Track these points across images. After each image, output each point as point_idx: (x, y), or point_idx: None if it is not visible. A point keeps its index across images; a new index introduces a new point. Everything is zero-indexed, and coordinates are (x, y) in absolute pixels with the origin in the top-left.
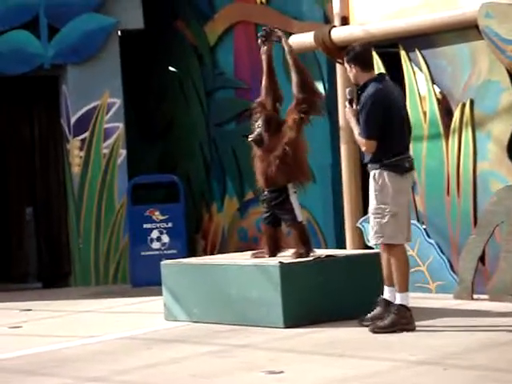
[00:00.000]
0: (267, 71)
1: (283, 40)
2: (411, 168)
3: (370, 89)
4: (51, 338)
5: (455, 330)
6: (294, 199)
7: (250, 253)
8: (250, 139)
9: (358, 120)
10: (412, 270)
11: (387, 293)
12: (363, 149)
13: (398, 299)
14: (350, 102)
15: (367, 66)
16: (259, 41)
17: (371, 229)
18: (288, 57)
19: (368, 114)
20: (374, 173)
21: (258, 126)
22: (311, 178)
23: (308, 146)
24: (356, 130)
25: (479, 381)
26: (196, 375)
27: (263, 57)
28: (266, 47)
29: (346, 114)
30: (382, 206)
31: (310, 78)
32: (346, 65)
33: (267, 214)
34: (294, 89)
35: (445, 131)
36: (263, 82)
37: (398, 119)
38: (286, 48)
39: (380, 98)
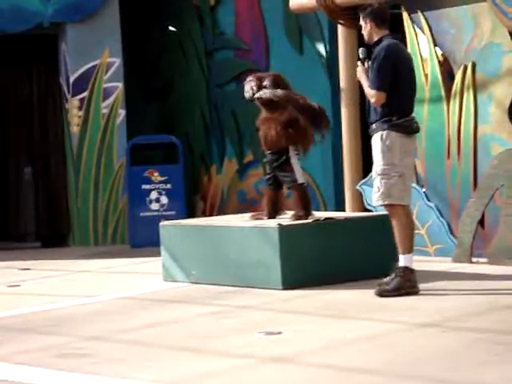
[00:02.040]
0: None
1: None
2: (418, 129)
3: (385, 42)
4: (49, 297)
5: (454, 294)
6: (294, 161)
7: (248, 215)
8: (261, 95)
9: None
10: None
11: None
12: (372, 100)
13: (402, 261)
14: (362, 62)
15: (383, 22)
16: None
17: (377, 189)
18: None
19: (380, 65)
20: (380, 133)
21: (266, 86)
22: (313, 143)
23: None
24: (366, 85)
25: (478, 343)
26: (193, 336)
27: None
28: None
29: (357, 72)
30: (390, 167)
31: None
32: (362, 21)
33: (269, 176)
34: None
35: (446, 94)
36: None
37: (406, 79)
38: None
39: (393, 52)
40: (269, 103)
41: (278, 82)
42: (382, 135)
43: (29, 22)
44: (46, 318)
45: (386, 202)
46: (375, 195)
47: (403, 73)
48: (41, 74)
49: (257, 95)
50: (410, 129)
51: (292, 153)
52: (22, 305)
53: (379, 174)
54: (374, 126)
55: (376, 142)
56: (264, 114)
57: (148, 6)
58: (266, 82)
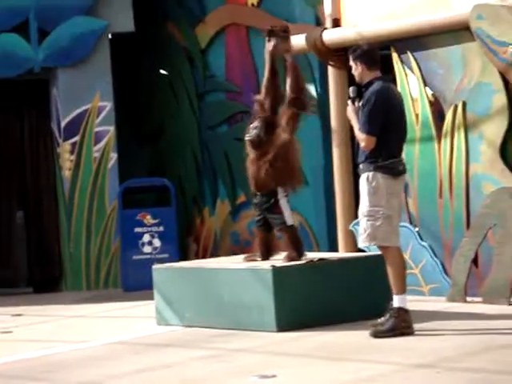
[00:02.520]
0: (269, 70)
1: (288, 40)
2: (404, 171)
3: (376, 86)
4: (42, 343)
5: (449, 334)
6: (283, 203)
7: (242, 256)
8: (247, 138)
9: (359, 118)
10: None
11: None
12: (362, 145)
13: (396, 302)
14: (353, 101)
15: (373, 64)
16: (266, 38)
17: (363, 231)
18: (287, 57)
19: (371, 109)
20: (367, 175)
21: (255, 127)
22: (302, 182)
23: (300, 149)
24: (356, 126)
25: (473, 383)
26: (187, 380)
27: (266, 55)
28: (271, 44)
29: (347, 111)
30: (376, 209)
31: (301, 78)
32: (352, 63)
33: (259, 218)
34: (287, 89)
35: (437, 133)
36: (264, 81)
37: (396, 122)
38: (287, 46)
39: (384, 96)
40: (254, 143)
41: (267, 125)
42: (368, 176)
43: (20, 67)
44: (38, 364)
45: (372, 244)
46: (361, 236)
47: (393, 117)
48: (32, 119)
49: (247, 138)
50: (396, 170)
51: (281, 195)
52: (15, 351)
53: (365, 216)
54: (361, 166)
55: (362, 183)
56: (251, 154)
57: (139, 49)
58: (255, 123)
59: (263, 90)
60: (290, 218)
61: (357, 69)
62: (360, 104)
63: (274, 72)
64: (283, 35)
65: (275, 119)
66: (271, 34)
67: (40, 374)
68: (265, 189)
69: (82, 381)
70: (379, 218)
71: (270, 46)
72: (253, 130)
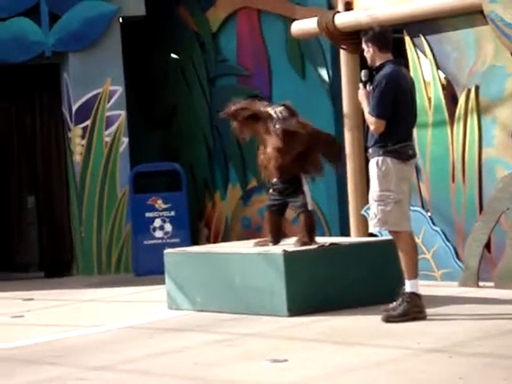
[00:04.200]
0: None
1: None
2: (414, 155)
3: (387, 69)
4: (54, 327)
5: (461, 318)
6: (306, 188)
7: (253, 241)
8: (283, 127)
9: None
10: None
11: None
12: (372, 128)
13: (408, 287)
14: (364, 84)
15: (385, 46)
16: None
17: (373, 215)
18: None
19: (381, 93)
20: (376, 159)
21: (284, 118)
22: (323, 171)
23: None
24: (366, 108)
25: (485, 368)
26: (199, 364)
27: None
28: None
29: (359, 95)
30: (386, 193)
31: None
32: (364, 45)
33: (275, 202)
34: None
35: (450, 117)
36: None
37: (407, 106)
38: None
39: (394, 80)
40: (286, 131)
41: (291, 111)
42: (377, 161)
43: (31, 51)
44: (50, 349)
45: (383, 228)
46: (372, 221)
47: (403, 101)
48: (43, 104)
49: (282, 127)
50: (405, 155)
51: (304, 181)
52: (27, 336)
53: (376, 201)
54: (370, 150)
55: (372, 167)
56: (275, 143)
57: (150, 33)
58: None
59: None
60: (310, 202)
61: (368, 51)
62: (371, 87)
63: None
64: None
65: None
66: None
67: (51, 358)
68: (289, 176)
69: (93, 365)
70: (389, 203)
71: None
72: (282, 121)
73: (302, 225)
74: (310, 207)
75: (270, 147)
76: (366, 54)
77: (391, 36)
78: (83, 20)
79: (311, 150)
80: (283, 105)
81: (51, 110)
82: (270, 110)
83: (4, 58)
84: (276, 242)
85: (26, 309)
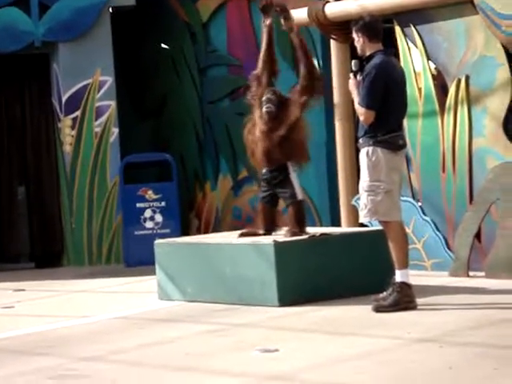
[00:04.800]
0: (266, 44)
1: (290, 19)
2: (404, 145)
3: (376, 59)
4: (44, 318)
5: (451, 308)
6: (294, 177)
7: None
8: (265, 109)
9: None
10: None
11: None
12: (361, 118)
13: (399, 277)
14: (355, 74)
15: (375, 36)
16: (261, 11)
17: (364, 206)
18: (293, 37)
19: (371, 83)
20: (366, 149)
21: (269, 99)
22: (309, 158)
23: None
24: (356, 98)
25: (475, 358)
26: (190, 354)
27: (264, 28)
28: (267, 19)
29: (349, 84)
30: (376, 183)
31: (312, 61)
32: (354, 34)
33: (267, 193)
34: (301, 74)
35: (440, 107)
36: (261, 55)
37: (397, 96)
38: (291, 27)
39: (384, 70)
40: (271, 115)
41: (281, 99)
42: (367, 151)
43: (20, 41)
44: (41, 340)
45: (373, 218)
46: (362, 212)
47: (393, 91)
48: (33, 94)
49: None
50: (396, 145)
51: (291, 169)
52: (17, 326)
53: (366, 191)
54: (360, 140)
55: (362, 158)
56: (264, 127)
57: (140, 23)
58: (264, 97)
59: (260, 63)
60: (299, 192)
61: (359, 41)
62: (361, 77)
63: (270, 45)
64: (284, 14)
65: (283, 94)
66: (266, 9)
67: (42, 348)
68: (276, 163)
69: (84, 356)
70: (380, 193)
71: (267, 20)
72: (267, 102)
73: (292, 216)
74: (299, 197)
75: (257, 131)
76: (356, 43)
77: (381, 26)
78: (73, 10)
79: (297, 136)
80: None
81: (41, 101)
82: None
83: None
84: (268, 232)
85: (16, 299)
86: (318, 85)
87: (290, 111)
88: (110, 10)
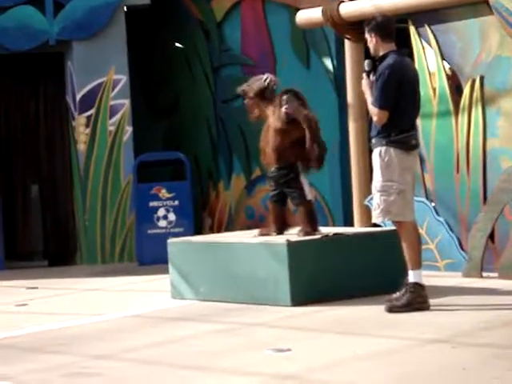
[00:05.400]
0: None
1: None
2: (417, 145)
3: (389, 60)
4: (58, 316)
5: (464, 309)
6: (303, 177)
7: (256, 231)
8: (285, 110)
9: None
10: None
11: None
12: (375, 119)
13: (412, 277)
14: (368, 74)
15: (388, 36)
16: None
17: (376, 206)
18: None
19: (384, 83)
20: (379, 149)
21: (288, 100)
22: (323, 162)
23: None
24: (369, 98)
25: (488, 359)
26: (202, 353)
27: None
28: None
29: (362, 85)
30: (389, 183)
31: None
32: (367, 34)
33: (275, 192)
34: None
35: (454, 108)
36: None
37: (410, 96)
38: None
39: (397, 70)
40: (290, 115)
41: (298, 97)
42: (380, 151)
43: (35, 40)
44: (53, 337)
45: (386, 219)
46: (375, 212)
47: (406, 91)
48: (47, 92)
49: (285, 109)
50: (408, 145)
51: (300, 169)
52: (30, 324)
53: (379, 191)
54: (373, 140)
55: (375, 158)
56: (282, 126)
57: (154, 22)
58: (285, 96)
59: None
60: (309, 192)
61: (371, 41)
62: (374, 77)
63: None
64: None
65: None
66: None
67: (55, 346)
68: (285, 161)
69: (96, 354)
70: (392, 193)
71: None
72: (287, 102)
73: (303, 215)
74: (309, 197)
75: (271, 128)
76: (369, 43)
77: (394, 25)
78: (88, 9)
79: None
80: (290, 90)
81: (55, 99)
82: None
83: (9, 46)
84: (279, 231)
85: (29, 297)
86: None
87: (307, 114)
88: (125, 8)
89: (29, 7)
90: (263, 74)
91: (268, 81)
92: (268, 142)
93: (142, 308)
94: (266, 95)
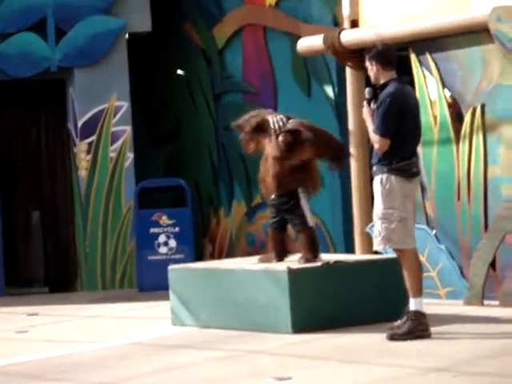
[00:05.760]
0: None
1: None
2: (418, 173)
3: (390, 88)
4: (58, 342)
5: (465, 337)
6: (304, 204)
7: (257, 257)
8: (282, 139)
9: (373, 120)
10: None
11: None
12: (376, 146)
13: (413, 305)
14: (369, 102)
15: (388, 64)
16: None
17: (378, 233)
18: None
19: (385, 111)
20: (380, 177)
21: (280, 121)
22: (320, 185)
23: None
24: (371, 128)
25: None
26: (204, 381)
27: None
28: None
29: (363, 113)
30: (390, 211)
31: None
32: (367, 63)
33: (275, 219)
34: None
35: (455, 135)
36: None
37: (411, 123)
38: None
39: (398, 98)
40: (288, 144)
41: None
42: (381, 179)
43: (37, 66)
44: (55, 365)
45: (387, 247)
46: (376, 239)
47: (407, 119)
48: (49, 119)
49: (286, 129)
50: (409, 173)
51: (301, 195)
52: (31, 351)
53: (380, 218)
54: (374, 168)
55: (376, 185)
56: (278, 153)
57: (155, 49)
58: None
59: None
60: (310, 219)
61: (372, 69)
62: (375, 105)
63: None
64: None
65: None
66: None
67: (55, 374)
68: (285, 189)
69: (97, 381)
70: (394, 221)
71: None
72: (284, 133)
73: (304, 242)
74: (310, 224)
75: (269, 157)
76: (369, 72)
77: (395, 53)
78: (90, 35)
79: (310, 163)
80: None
81: (57, 125)
82: (270, 119)
83: (11, 72)
84: (280, 258)
85: (30, 324)
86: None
87: (306, 147)
88: (127, 35)
89: (31, 34)
90: (262, 103)
91: (276, 126)
92: (267, 171)
93: (142, 335)
94: (262, 127)
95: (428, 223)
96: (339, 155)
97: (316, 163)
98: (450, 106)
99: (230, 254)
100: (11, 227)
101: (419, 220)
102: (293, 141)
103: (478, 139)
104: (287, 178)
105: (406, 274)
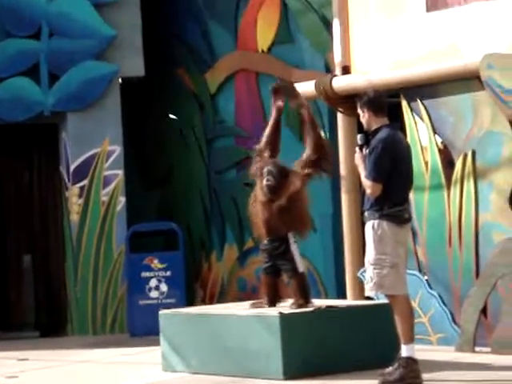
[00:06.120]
0: (274, 125)
1: (299, 99)
2: (409, 219)
3: (382, 134)
4: None
5: None
6: (294, 249)
7: (249, 303)
8: (266, 183)
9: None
10: None
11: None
12: (368, 191)
13: (405, 351)
14: (361, 148)
15: (380, 111)
16: (272, 92)
17: (369, 279)
18: (303, 112)
19: (377, 157)
20: (372, 223)
21: (270, 172)
22: (311, 228)
23: (309, 196)
24: (363, 173)
25: None
26: None
27: (273, 109)
28: (278, 100)
29: (355, 158)
30: (382, 257)
31: (322, 137)
32: (359, 110)
33: (268, 264)
34: (308, 148)
35: (447, 182)
36: (267, 131)
37: (402, 170)
38: (302, 103)
39: (390, 144)
40: (271, 187)
41: (281, 171)
42: (373, 224)
43: (30, 110)
44: None
45: (379, 292)
46: (368, 285)
47: (399, 165)
48: (41, 163)
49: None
50: (401, 218)
51: (291, 240)
52: None
53: (372, 264)
54: (366, 214)
55: (368, 231)
56: (264, 198)
57: (148, 94)
58: (265, 169)
59: (264, 140)
60: (300, 264)
61: (364, 116)
62: (367, 151)
63: (277, 127)
64: (292, 92)
65: (285, 166)
66: (278, 91)
67: None
68: (276, 234)
69: None
70: (385, 267)
71: (277, 101)
72: (267, 174)
73: (295, 288)
74: (300, 269)
75: (258, 201)
76: (361, 118)
77: (386, 100)
78: (83, 80)
79: (297, 205)
80: (272, 162)
81: (49, 169)
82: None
83: (3, 117)
84: (272, 304)
85: (20, 369)
86: (325, 161)
87: (291, 182)
88: (120, 80)
89: (24, 78)
90: (254, 147)
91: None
92: (257, 213)
93: (133, 381)
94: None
95: (420, 269)
96: (324, 155)
97: (306, 207)
98: (441, 152)
99: (222, 298)
100: (2, 270)
101: (411, 266)
102: (275, 182)
103: (469, 185)
104: (276, 222)
105: (397, 320)
